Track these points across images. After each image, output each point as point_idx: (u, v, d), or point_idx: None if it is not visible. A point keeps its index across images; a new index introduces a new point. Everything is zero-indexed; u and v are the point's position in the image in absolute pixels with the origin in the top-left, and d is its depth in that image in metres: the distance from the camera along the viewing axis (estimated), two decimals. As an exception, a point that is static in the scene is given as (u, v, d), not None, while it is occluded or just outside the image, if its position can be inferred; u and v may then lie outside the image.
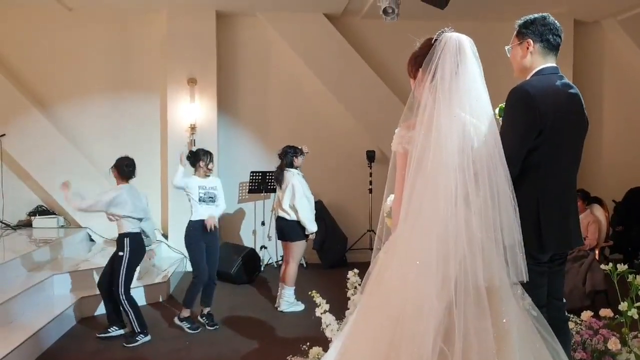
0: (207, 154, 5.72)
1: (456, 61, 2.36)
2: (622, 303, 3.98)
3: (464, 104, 2.36)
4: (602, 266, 4.27)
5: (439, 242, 2.23)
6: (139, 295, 6.21)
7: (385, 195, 2.68)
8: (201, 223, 5.57)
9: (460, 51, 2.38)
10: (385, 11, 6.73)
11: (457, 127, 2.32)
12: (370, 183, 8.50)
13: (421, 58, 2.46)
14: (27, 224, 8.05)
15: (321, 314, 3.99)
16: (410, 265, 2.26)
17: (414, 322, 2.16)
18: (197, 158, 5.67)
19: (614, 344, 3.84)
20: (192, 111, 8.12)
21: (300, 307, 6.13)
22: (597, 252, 6.51)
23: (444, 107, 2.32)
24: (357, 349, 2.35)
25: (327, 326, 3.95)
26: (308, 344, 4.07)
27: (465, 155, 2.30)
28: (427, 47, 2.45)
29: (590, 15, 8.76)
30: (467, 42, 2.42)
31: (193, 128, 8.10)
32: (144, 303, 6.31)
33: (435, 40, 2.44)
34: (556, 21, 2.87)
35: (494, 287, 2.23)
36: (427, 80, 2.39)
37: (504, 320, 2.19)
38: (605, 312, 4.13)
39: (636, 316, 3.93)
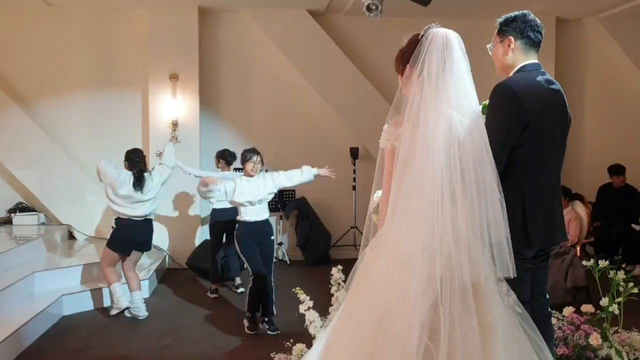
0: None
1: (443, 57, 2.35)
2: (603, 298, 4.03)
3: (450, 100, 2.36)
4: (584, 262, 4.32)
5: (425, 239, 2.23)
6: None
7: (372, 192, 2.68)
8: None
9: (448, 47, 2.37)
10: (368, 8, 6.73)
11: (443, 123, 2.32)
12: (354, 180, 8.50)
13: (408, 54, 2.45)
14: (7, 221, 7.95)
15: (305, 310, 4.00)
16: (397, 262, 2.26)
17: (399, 318, 2.16)
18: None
19: (595, 340, 3.88)
20: (174, 107, 8.06)
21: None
22: (578, 248, 6.58)
23: (430, 104, 2.31)
24: (342, 345, 2.34)
25: (310, 323, 3.96)
26: (292, 340, 4.07)
27: (452, 152, 2.30)
28: (414, 43, 2.44)
29: (571, 13, 8.84)
30: (454, 38, 2.41)
31: (175, 124, 8.04)
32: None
33: (422, 36, 2.43)
34: (537, 18, 2.89)
35: (479, 285, 2.24)
36: (414, 77, 2.38)
37: (489, 318, 2.20)
38: (587, 307, 4.18)
39: (617, 311, 3.99)
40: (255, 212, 5.38)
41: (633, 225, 7.78)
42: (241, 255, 5.42)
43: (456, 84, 2.37)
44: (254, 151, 5.45)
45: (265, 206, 5.47)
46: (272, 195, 5.55)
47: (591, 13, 8.83)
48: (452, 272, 2.19)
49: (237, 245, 5.41)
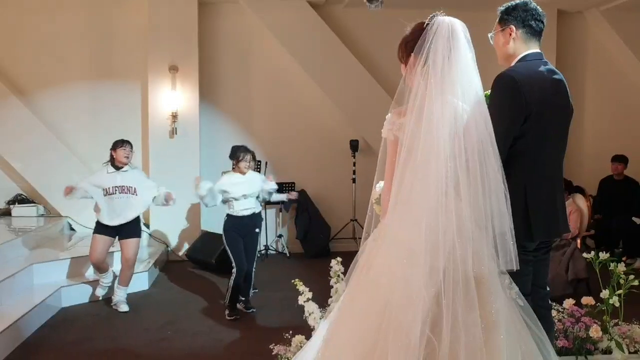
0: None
1: (449, 46, 2.32)
2: (603, 291, 4.02)
3: (456, 90, 2.33)
4: (585, 254, 4.30)
5: (429, 231, 2.20)
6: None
7: (374, 182, 2.65)
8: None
9: (453, 36, 2.33)
10: (369, -1, 6.70)
11: (449, 113, 2.29)
12: (354, 172, 8.47)
13: (412, 43, 2.42)
14: (6, 213, 7.92)
15: (304, 302, 3.98)
16: (399, 254, 2.23)
17: (401, 310, 2.13)
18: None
19: (595, 332, 3.88)
20: (174, 99, 8.02)
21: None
22: (579, 241, 6.57)
23: (435, 93, 2.28)
24: (342, 337, 2.32)
25: (310, 314, 3.95)
26: (291, 332, 4.06)
27: (457, 142, 2.27)
28: (419, 32, 2.40)
29: (573, 6, 8.80)
30: (459, 27, 2.38)
31: (174, 116, 8.01)
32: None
33: (427, 24, 2.40)
34: (538, 7, 2.86)
35: (482, 277, 2.22)
36: (418, 66, 2.35)
37: (492, 311, 2.18)
38: (587, 300, 4.16)
39: (617, 304, 3.98)
40: (244, 206, 5.61)
41: (633, 219, 7.76)
42: (226, 248, 5.65)
43: (462, 73, 2.34)
44: (246, 150, 5.66)
45: (254, 200, 5.70)
46: (257, 193, 5.75)
47: (593, 5, 8.80)
48: (456, 264, 2.16)
49: (223, 237, 5.67)
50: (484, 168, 2.29)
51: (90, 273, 6.16)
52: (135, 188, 5.68)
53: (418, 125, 2.28)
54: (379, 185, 2.60)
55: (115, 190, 5.59)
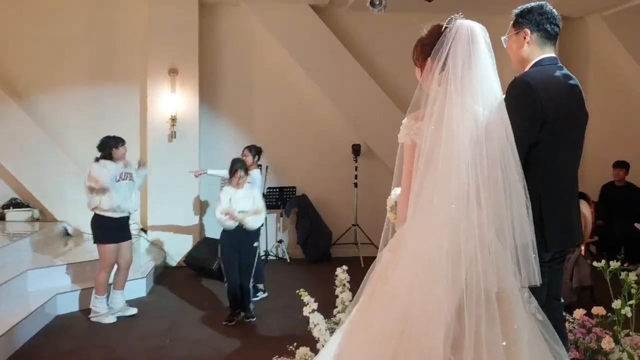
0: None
1: (468, 50, 2.23)
2: (615, 300, 3.93)
3: (476, 96, 2.24)
4: (595, 263, 4.22)
5: (450, 239, 2.10)
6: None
7: (392, 188, 2.54)
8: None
9: (473, 40, 2.25)
10: (372, 3, 6.66)
11: (469, 120, 2.20)
12: (356, 177, 8.38)
13: (429, 46, 2.32)
14: (0, 217, 7.80)
15: (309, 313, 3.86)
16: (418, 266, 2.13)
17: (422, 327, 2.03)
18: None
19: (607, 343, 3.78)
20: (173, 102, 7.93)
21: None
22: (583, 247, 6.49)
23: (455, 99, 2.19)
24: (355, 352, 2.22)
25: (315, 325, 3.83)
26: (295, 344, 3.94)
27: (478, 149, 2.18)
28: (436, 35, 2.31)
29: (575, 11, 8.75)
30: (479, 30, 2.29)
31: (174, 119, 7.92)
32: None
33: (446, 27, 2.31)
34: (554, 10, 2.78)
35: (504, 292, 2.12)
36: (436, 70, 2.26)
37: (515, 327, 2.08)
38: (598, 310, 4.07)
39: (629, 314, 3.89)
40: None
41: (636, 225, 7.70)
42: (220, 261, 5.74)
43: (482, 79, 2.25)
44: (241, 165, 5.64)
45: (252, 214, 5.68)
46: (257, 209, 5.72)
47: (594, 11, 8.76)
48: (478, 276, 2.07)
49: (219, 251, 5.70)
50: (505, 176, 2.19)
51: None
52: (132, 174, 5.82)
53: (438, 132, 2.18)
54: (395, 192, 2.50)
55: (127, 176, 5.73)
